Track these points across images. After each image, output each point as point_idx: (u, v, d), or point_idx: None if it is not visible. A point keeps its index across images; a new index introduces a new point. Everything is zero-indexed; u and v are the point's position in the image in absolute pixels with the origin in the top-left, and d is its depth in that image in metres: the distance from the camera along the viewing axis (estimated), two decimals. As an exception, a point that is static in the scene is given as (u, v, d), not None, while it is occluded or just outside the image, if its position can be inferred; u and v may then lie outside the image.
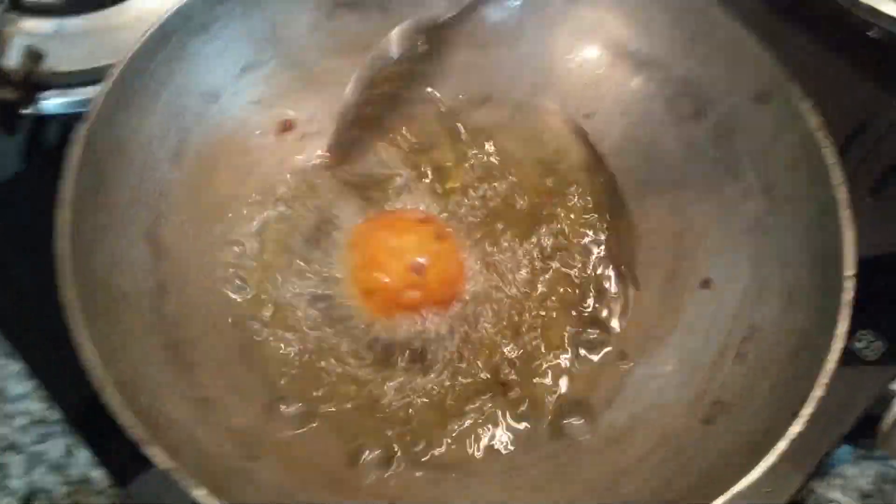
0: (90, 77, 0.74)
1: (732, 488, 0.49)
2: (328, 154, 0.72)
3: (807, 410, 0.51)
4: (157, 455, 0.46)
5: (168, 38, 0.64)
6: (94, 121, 0.58)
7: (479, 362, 0.64)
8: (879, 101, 0.81)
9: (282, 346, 0.64)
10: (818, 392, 0.52)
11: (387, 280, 0.66)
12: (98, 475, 0.61)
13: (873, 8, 0.80)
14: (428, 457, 0.60)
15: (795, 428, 0.51)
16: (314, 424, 0.61)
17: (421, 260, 0.66)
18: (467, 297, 0.67)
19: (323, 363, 0.63)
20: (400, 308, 0.65)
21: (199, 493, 0.46)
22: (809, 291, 0.59)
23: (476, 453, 0.61)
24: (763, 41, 0.65)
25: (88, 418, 0.62)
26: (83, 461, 0.62)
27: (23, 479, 0.61)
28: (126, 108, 0.61)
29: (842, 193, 0.59)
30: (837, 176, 0.59)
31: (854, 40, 0.82)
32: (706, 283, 0.66)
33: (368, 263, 0.67)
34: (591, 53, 0.74)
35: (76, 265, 0.53)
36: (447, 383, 0.63)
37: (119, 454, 0.61)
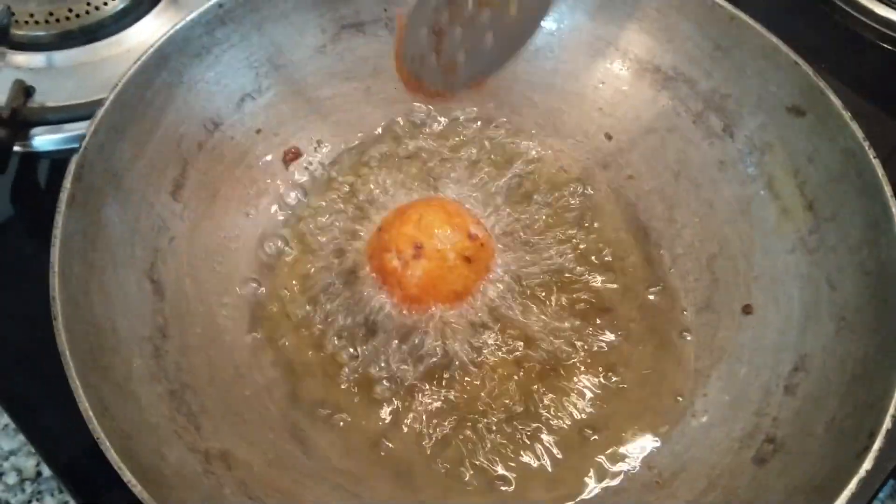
0: (82, 112, 0.71)
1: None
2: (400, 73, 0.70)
3: (876, 445, 0.47)
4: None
5: (165, 63, 0.61)
6: (86, 151, 0.54)
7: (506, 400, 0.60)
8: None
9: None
10: (887, 424, 0.48)
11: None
12: (93, 535, 0.57)
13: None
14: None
15: (864, 465, 0.47)
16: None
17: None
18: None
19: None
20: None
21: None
22: (864, 314, 0.55)
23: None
24: (796, 50, 0.62)
25: (81, 474, 0.58)
26: None
27: (13, 541, 0.57)
28: (121, 138, 0.58)
29: (893, 207, 0.55)
30: (886, 189, 0.56)
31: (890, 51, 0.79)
32: (747, 309, 0.62)
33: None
34: (613, 70, 0.71)
35: (71, 308, 0.50)
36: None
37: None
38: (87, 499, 0.57)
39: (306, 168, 0.70)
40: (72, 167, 0.53)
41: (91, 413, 0.45)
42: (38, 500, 0.59)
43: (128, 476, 0.43)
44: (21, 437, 0.60)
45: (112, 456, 0.44)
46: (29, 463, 0.60)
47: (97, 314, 0.52)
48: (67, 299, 0.50)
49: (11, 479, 0.59)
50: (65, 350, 0.47)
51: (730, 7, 0.64)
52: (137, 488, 0.43)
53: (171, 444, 0.50)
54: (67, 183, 0.53)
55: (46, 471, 0.59)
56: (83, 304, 0.51)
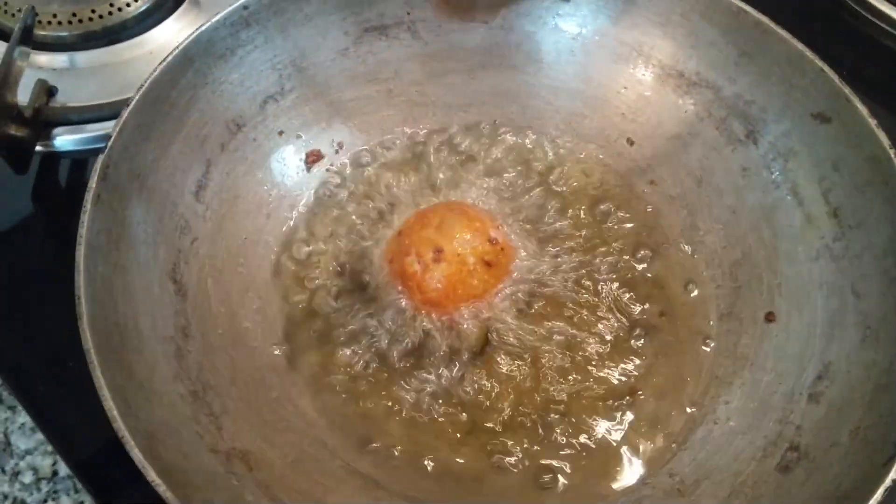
0: (104, 112, 0.72)
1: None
2: None
3: (903, 454, 0.46)
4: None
5: (190, 64, 0.61)
6: (111, 150, 0.54)
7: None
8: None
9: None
10: (914, 433, 0.47)
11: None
12: (109, 536, 0.57)
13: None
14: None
15: (891, 475, 0.46)
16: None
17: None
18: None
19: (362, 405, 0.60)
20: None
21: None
22: (889, 322, 0.54)
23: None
24: (820, 56, 0.61)
25: (99, 474, 0.59)
26: None
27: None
28: (146, 138, 0.58)
29: (921, 214, 0.55)
30: (913, 196, 0.55)
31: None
32: (770, 317, 0.61)
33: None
34: (636, 75, 0.70)
35: (95, 307, 0.50)
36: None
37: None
38: (105, 499, 0.58)
39: (328, 170, 0.70)
40: (97, 167, 0.54)
41: (116, 412, 0.45)
42: (53, 499, 0.59)
43: (152, 475, 0.43)
44: (38, 437, 0.61)
45: (136, 455, 0.44)
46: (45, 462, 0.60)
47: (121, 313, 0.52)
48: (92, 298, 0.50)
49: (28, 478, 0.59)
50: (90, 348, 0.47)
51: (755, 13, 0.64)
52: (161, 488, 0.43)
53: (193, 445, 0.50)
54: (93, 183, 0.53)
55: (62, 470, 0.59)
56: (107, 304, 0.51)
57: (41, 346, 0.63)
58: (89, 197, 0.52)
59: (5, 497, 0.58)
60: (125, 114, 0.56)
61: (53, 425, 0.60)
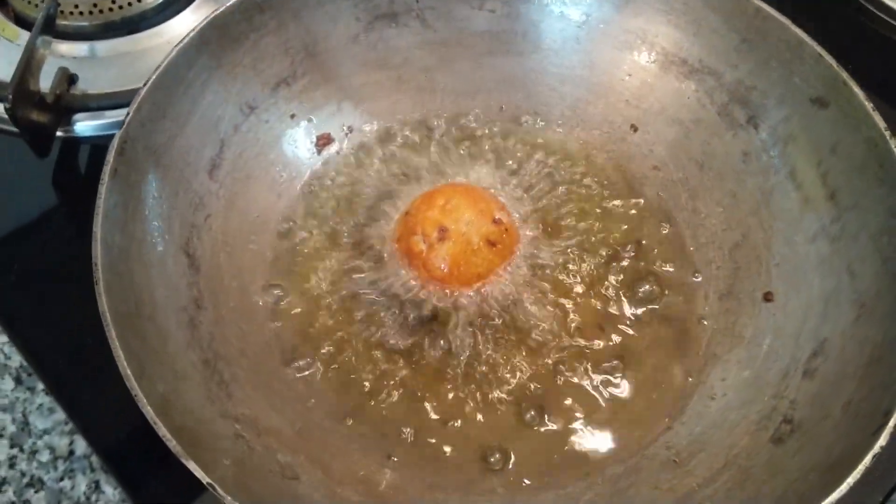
0: (122, 100, 0.74)
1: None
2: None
3: (892, 423, 0.48)
4: (195, 470, 0.43)
5: (205, 46, 0.63)
6: (129, 127, 0.56)
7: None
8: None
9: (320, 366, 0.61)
10: (902, 402, 0.48)
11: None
12: (124, 513, 0.59)
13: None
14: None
15: (880, 441, 0.47)
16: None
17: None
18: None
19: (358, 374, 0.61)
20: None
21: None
22: (883, 299, 0.55)
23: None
24: (819, 42, 0.62)
25: (121, 455, 0.60)
26: (109, 498, 0.59)
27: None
28: (162, 116, 0.60)
29: (915, 195, 0.56)
30: (909, 178, 0.56)
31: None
32: (768, 297, 0.62)
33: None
34: (640, 62, 0.72)
35: (111, 274, 0.51)
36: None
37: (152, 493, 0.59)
38: (129, 481, 0.59)
39: (337, 153, 0.72)
40: (115, 142, 0.55)
41: (129, 372, 0.46)
42: (70, 477, 0.60)
43: (163, 431, 0.45)
44: (55, 417, 0.62)
45: (148, 412, 0.45)
46: (62, 442, 0.61)
47: (136, 282, 0.54)
48: (108, 266, 0.51)
49: (45, 456, 0.60)
50: (105, 311, 0.48)
51: (756, 0, 0.65)
52: (172, 443, 0.44)
53: (203, 409, 0.52)
54: (111, 157, 0.54)
55: (79, 450, 0.61)
56: (123, 272, 0.53)
57: (65, 329, 0.65)
58: (107, 170, 0.54)
59: (23, 475, 0.59)
60: (142, 92, 0.58)
61: (77, 406, 0.62)
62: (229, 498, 0.43)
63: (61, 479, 0.60)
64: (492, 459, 0.58)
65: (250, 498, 0.44)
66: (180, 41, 0.61)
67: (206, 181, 0.63)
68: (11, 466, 0.60)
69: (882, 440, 0.47)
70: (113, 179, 0.54)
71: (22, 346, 0.64)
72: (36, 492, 0.59)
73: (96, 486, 0.59)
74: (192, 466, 0.44)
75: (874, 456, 0.47)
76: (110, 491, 0.59)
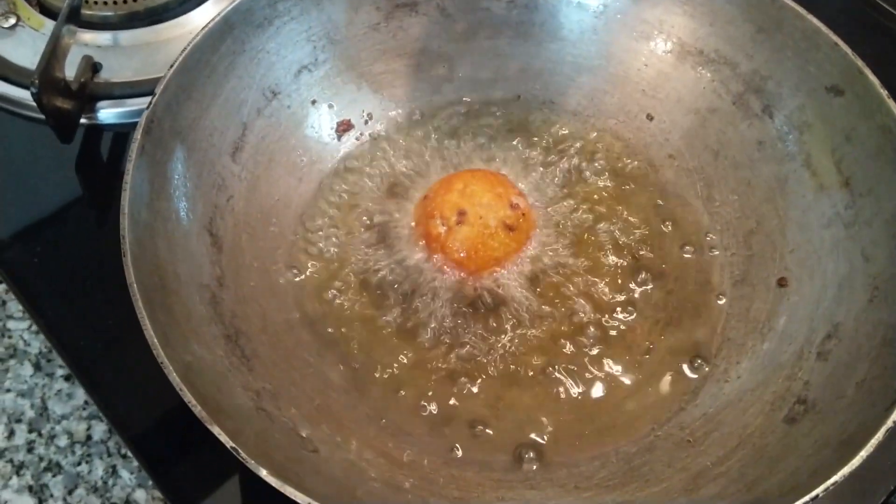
0: (145, 88, 0.75)
1: (828, 480, 0.46)
2: None
3: (904, 399, 0.48)
4: (220, 434, 0.44)
5: (230, 31, 0.64)
6: (155, 107, 0.57)
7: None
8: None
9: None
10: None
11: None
12: (142, 496, 0.59)
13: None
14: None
15: (892, 416, 0.48)
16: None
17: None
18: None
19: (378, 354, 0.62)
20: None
21: (261, 472, 0.44)
22: (896, 283, 0.56)
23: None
24: (834, 31, 0.63)
25: (144, 438, 0.61)
26: (126, 482, 0.60)
27: (62, 501, 0.59)
28: (187, 98, 0.61)
29: (929, 180, 0.56)
30: (923, 163, 0.57)
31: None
32: (783, 282, 0.63)
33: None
34: (656, 52, 0.72)
35: (138, 248, 0.52)
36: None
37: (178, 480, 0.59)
38: (150, 463, 0.60)
39: (357, 139, 0.73)
40: (142, 121, 0.56)
41: (156, 340, 0.47)
42: (87, 462, 0.61)
43: (188, 397, 0.45)
44: (73, 402, 0.63)
45: (174, 379, 0.46)
46: (80, 427, 0.62)
47: (161, 258, 0.55)
48: (135, 240, 0.52)
49: (63, 441, 0.61)
50: (132, 283, 0.49)
51: (771, -11, 0.66)
52: (197, 409, 0.45)
53: (225, 380, 0.53)
54: (138, 135, 0.56)
55: (96, 435, 0.62)
56: (149, 247, 0.54)
57: (88, 313, 0.66)
58: (134, 147, 0.55)
59: (41, 459, 0.60)
60: (169, 74, 0.59)
61: (101, 392, 0.62)
62: (252, 462, 0.44)
63: (79, 463, 0.60)
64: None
65: (271, 465, 0.45)
66: (206, 25, 0.62)
67: (229, 163, 0.64)
68: (30, 451, 0.61)
69: (895, 415, 0.48)
70: (140, 157, 0.55)
71: (46, 330, 0.65)
72: (53, 476, 0.60)
73: (113, 471, 0.60)
74: (216, 431, 0.44)
75: (887, 430, 0.47)
76: (127, 475, 0.60)
